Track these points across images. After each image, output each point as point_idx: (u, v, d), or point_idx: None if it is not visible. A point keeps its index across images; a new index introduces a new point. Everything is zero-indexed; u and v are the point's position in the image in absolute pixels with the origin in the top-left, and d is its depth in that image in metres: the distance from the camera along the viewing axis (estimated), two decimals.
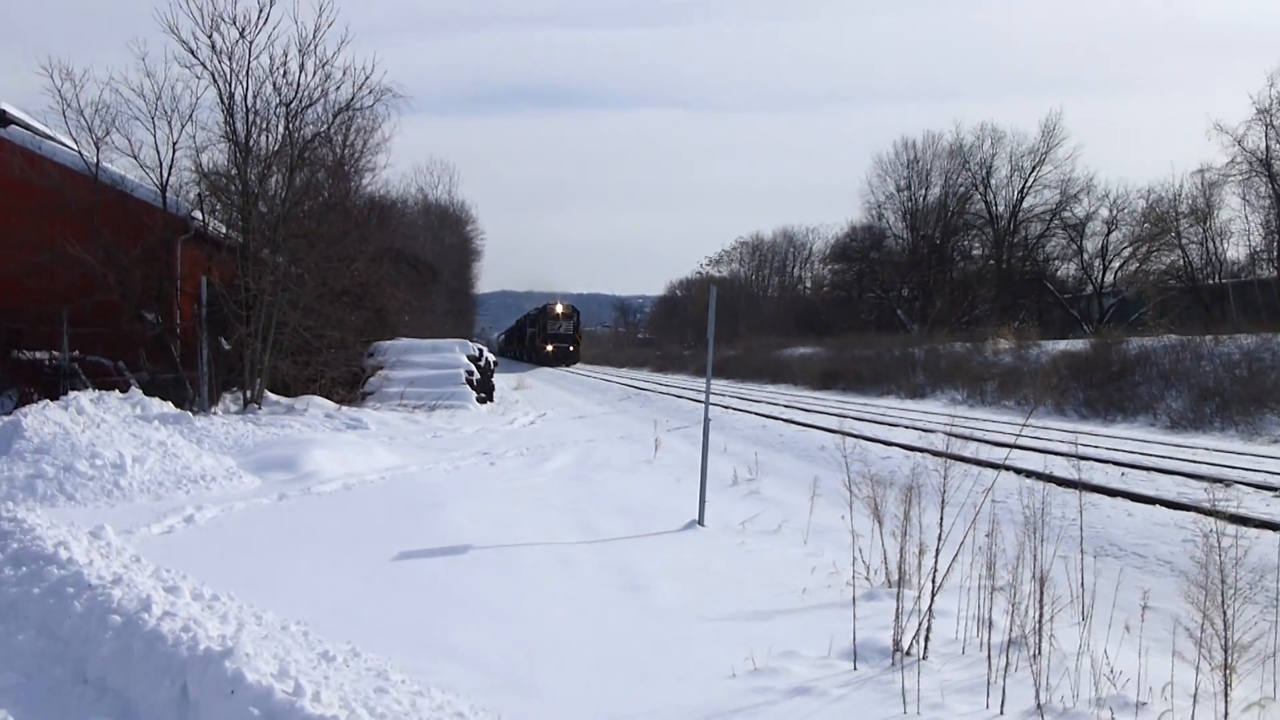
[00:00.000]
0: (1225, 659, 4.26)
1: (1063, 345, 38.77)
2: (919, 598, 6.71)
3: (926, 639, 6.49)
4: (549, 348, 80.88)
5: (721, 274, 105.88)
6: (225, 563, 9.13)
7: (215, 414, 19.42)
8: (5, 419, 14.58)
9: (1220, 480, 14.64)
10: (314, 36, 21.65)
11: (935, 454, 13.63)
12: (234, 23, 20.72)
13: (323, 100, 22.56)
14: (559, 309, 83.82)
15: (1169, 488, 14.12)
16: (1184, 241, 55.95)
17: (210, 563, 8.98)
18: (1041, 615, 6.12)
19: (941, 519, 6.79)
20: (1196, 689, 5.35)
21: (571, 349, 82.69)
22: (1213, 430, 25.02)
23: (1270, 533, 9.89)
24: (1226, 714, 4.27)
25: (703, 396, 13.22)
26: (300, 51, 21.60)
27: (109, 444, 13.89)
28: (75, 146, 20.79)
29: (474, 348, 31.32)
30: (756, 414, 28.61)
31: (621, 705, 5.79)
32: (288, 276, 21.47)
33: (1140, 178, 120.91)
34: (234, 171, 21.96)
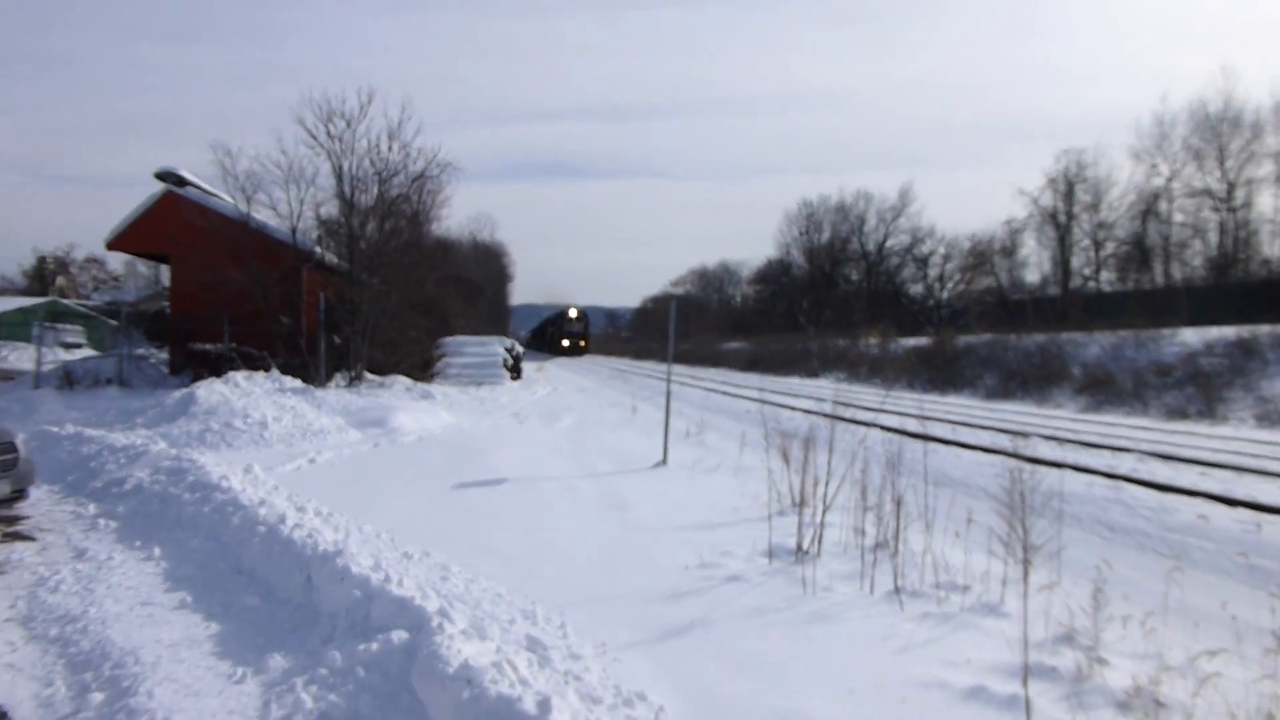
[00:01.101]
0: (1024, 555, 4.29)
1: (913, 342, 38.96)
2: (814, 514, 6.74)
3: (819, 542, 6.52)
4: (565, 342, 78.40)
5: (679, 291, 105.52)
6: (337, 490, 9.11)
7: (330, 388, 19.32)
8: (184, 391, 14.80)
9: (1021, 433, 14.75)
10: (398, 126, 21.85)
11: (825, 415, 13.69)
12: (343, 117, 20.98)
13: (404, 171, 22.58)
14: (573, 313, 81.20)
15: (986, 438, 14.23)
16: (996, 270, 56.66)
17: (326, 490, 8.98)
18: (898, 526, 6.17)
19: (829, 460, 6.83)
20: (1005, 576, 5.41)
21: (582, 343, 79.92)
22: (1016, 399, 25.23)
23: (1055, 469, 9.97)
24: (1026, 593, 4.30)
25: (666, 376, 13.24)
26: (389, 136, 21.76)
27: (256, 408, 14.00)
28: (232, 201, 20.70)
29: (508, 342, 31.22)
30: (703, 389, 28.63)
31: (609, 587, 5.81)
32: (380, 293, 21.50)
33: (967, 226, 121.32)
34: (342, 220, 22.01)
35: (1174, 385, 21.24)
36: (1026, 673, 3.98)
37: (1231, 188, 40.14)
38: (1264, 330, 21.60)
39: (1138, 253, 45.06)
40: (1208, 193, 41.26)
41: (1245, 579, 6.16)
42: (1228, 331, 22.89)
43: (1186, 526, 8.04)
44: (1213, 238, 41.57)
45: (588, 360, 70.86)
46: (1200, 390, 20.07)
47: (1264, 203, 40.53)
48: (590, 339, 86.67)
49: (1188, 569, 6.04)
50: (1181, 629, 4.39)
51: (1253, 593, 5.05)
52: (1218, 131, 40.60)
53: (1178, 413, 19.52)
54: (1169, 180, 42.89)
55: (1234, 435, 15.83)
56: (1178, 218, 42.94)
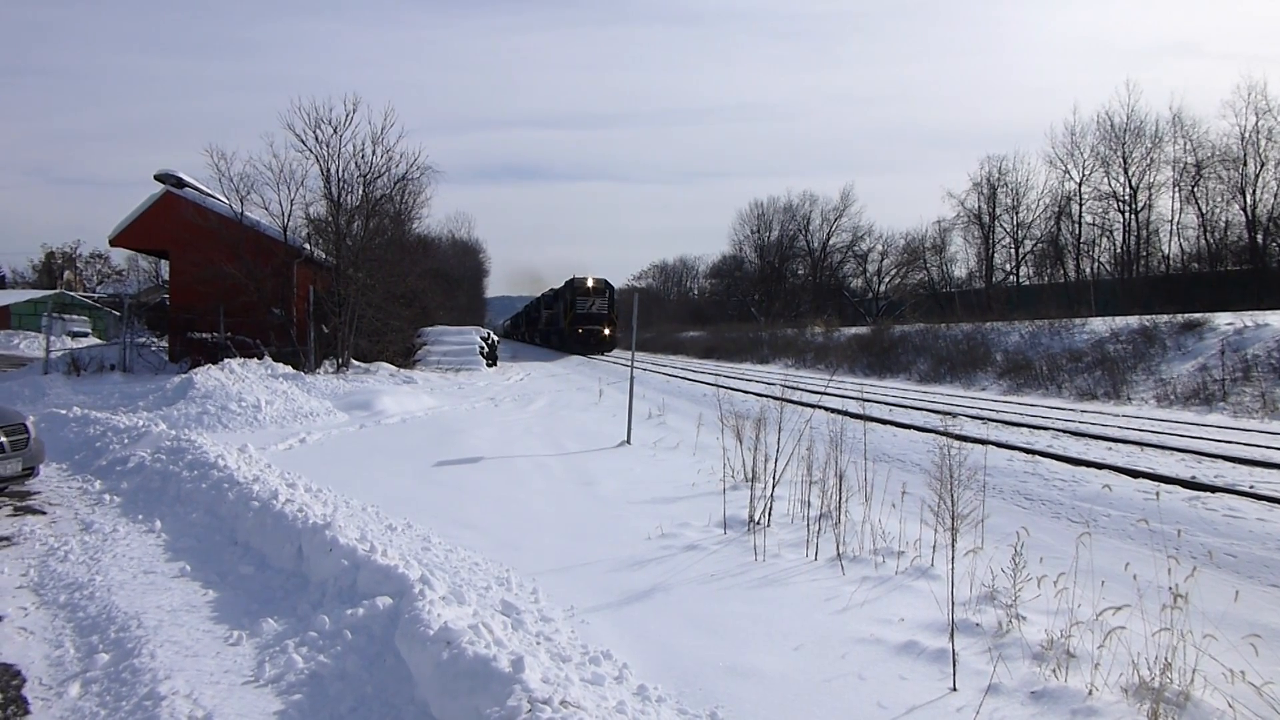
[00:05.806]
0: (952, 524, 4.34)
1: (853, 330, 39.29)
2: (765, 489, 6.78)
3: (769, 514, 6.55)
4: (579, 330, 42.40)
5: (641, 285, 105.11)
6: (325, 468, 9.00)
7: (318, 374, 19.07)
8: (183, 376, 14.67)
9: (950, 413, 14.94)
10: (382, 132, 21.58)
11: (775, 398, 13.74)
12: (330, 123, 20.71)
13: (387, 173, 22.34)
14: (590, 283, 43.31)
15: (919, 418, 14.39)
16: (928, 265, 57.28)
17: (316, 468, 8.88)
18: (840, 498, 6.21)
19: (779, 439, 6.86)
20: (935, 542, 5.47)
21: (606, 332, 42.75)
22: (945, 382, 25.55)
23: (980, 446, 10.11)
24: (953, 557, 4.34)
25: (630, 363, 13.21)
26: (373, 141, 21.50)
27: (250, 392, 13.83)
28: (227, 201, 20.36)
29: (484, 332, 31.01)
30: (663, 374, 28.64)
31: (577, 556, 5.79)
32: (365, 287, 21.29)
33: (901, 225, 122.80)
34: (330, 219, 21.73)
35: (1084, 369, 21.66)
36: (953, 629, 4.02)
37: (1134, 192, 40.99)
38: (1163, 320, 22.09)
39: (1052, 250, 45.90)
40: (1113, 196, 42.11)
41: (1146, 542, 6.29)
42: (1131, 321, 23.37)
43: (1095, 496, 8.20)
44: (1118, 236, 42.45)
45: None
46: (1107, 373, 20.48)
47: (1163, 205, 41.58)
48: (616, 325, 43.94)
49: (1096, 534, 6.16)
50: (1090, 588, 4.46)
51: (1152, 554, 5.15)
52: (1122, 140, 41.42)
53: (1087, 394, 19.91)
54: (1079, 184, 43.71)
55: (1137, 414, 16.19)
56: (1087, 218, 43.83)
